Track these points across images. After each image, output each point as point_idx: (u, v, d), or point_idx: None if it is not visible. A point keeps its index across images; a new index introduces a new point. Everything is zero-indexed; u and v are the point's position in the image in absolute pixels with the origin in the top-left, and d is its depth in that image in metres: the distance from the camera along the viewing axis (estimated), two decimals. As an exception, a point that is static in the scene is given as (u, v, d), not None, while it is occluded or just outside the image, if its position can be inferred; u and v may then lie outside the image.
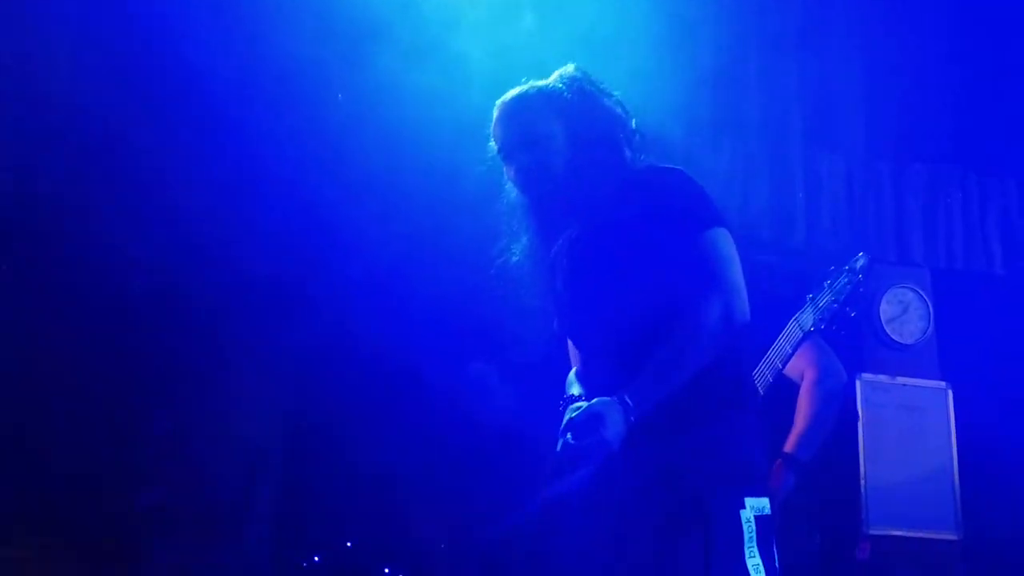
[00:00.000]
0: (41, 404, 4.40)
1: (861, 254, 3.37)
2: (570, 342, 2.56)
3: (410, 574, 5.02)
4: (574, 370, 2.53)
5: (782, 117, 5.18)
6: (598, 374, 2.35)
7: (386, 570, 5.03)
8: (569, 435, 2.11)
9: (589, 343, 2.42)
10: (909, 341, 5.20)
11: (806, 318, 3.30)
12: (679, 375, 2.12)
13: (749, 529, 2.08)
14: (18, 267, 4.46)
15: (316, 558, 4.98)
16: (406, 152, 4.56)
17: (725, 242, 2.24)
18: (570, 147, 2.38)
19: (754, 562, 2.06)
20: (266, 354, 4.68)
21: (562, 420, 2.20)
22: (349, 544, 5.05)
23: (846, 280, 3.31)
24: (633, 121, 2.46)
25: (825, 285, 3.32)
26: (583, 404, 2.14)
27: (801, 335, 3.30)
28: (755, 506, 2.11)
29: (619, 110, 2.45)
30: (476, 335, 4.44)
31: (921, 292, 5.28)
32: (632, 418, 2.06)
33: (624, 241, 2.28)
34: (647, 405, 2.09)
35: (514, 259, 2.50)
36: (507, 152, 2.44)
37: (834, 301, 3.28)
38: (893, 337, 5.18)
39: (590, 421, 2.07)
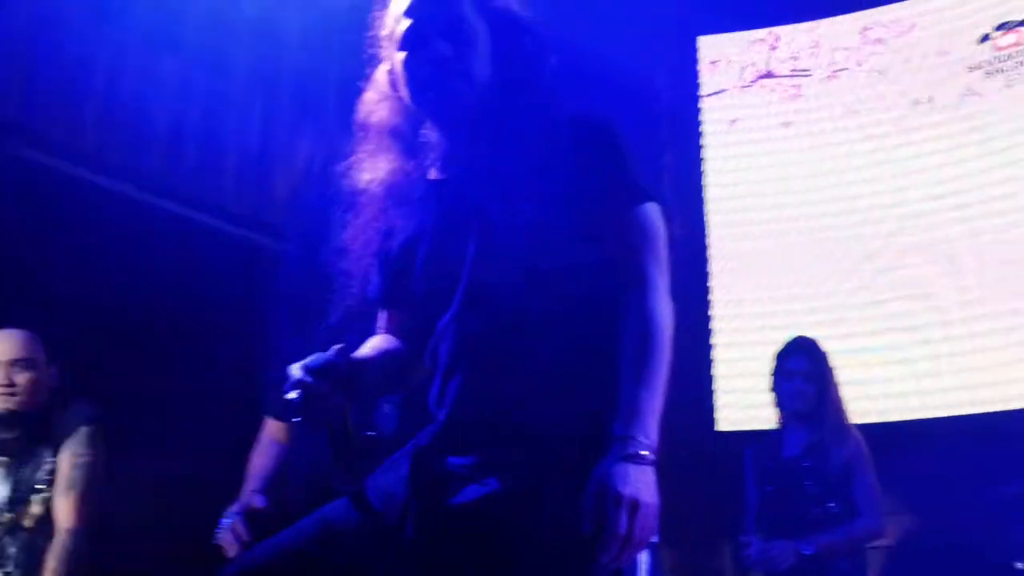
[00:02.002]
0: None
1: None
2: (392, 317, 2.10)
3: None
4: (374, 347, 2.04)
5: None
6: (471, 366, 1.85)
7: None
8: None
9: (467, 324, 1.86)
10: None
11: None
12: (663, 380, 1.76)
13: None
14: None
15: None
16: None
17: (659, 222, 1.88)
18: (491, 62, 1.95)
19: None
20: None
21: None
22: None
23: None
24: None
25: None
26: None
27: None
28: None
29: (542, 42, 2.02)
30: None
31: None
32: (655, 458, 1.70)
33: (535, 200, 1.82)
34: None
35: (363, 184, 2.02)
36: (421, 36, 1.92)
37: None
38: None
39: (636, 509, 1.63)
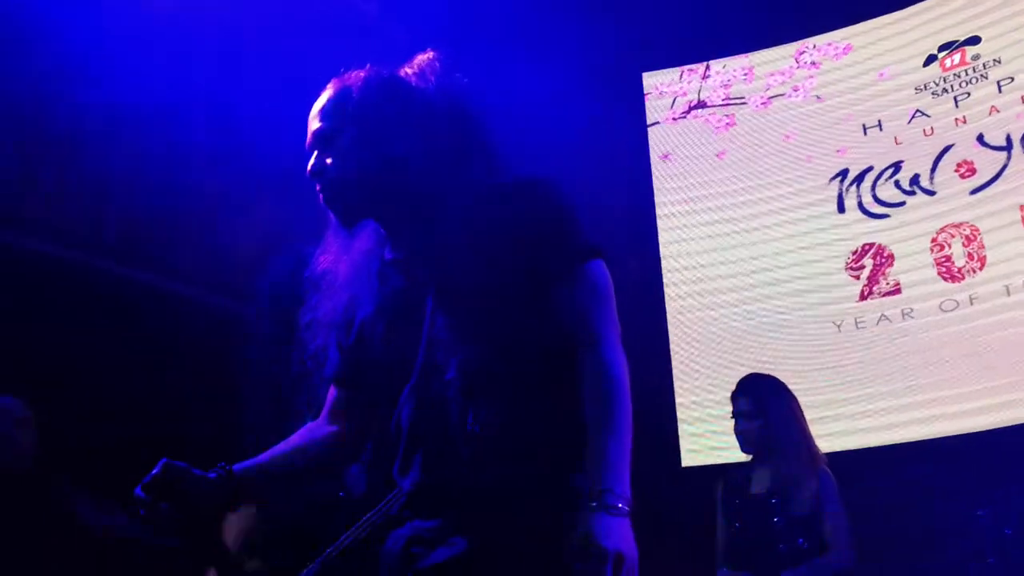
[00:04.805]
0: None
1: None
2: (341, 394, 2.15)
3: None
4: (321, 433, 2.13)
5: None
6: (432, 433, 1.89)
7: None
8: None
9: (427, 392, 1.90)
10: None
11: None
12: (628, 432, 1.81)
13: None
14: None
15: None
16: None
17: (607, 277, 1.93)
18: (407, 145, 1.98)
19: None
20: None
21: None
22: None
23: None
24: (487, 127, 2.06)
25: None
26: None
27: None
28: None
29: (473, 111, 2.06)
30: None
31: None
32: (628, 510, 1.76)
33: (483, 269, 1.88)
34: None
35: (329, 264, 2.10)
36: (310, 145, 2.04)
37: None
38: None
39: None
